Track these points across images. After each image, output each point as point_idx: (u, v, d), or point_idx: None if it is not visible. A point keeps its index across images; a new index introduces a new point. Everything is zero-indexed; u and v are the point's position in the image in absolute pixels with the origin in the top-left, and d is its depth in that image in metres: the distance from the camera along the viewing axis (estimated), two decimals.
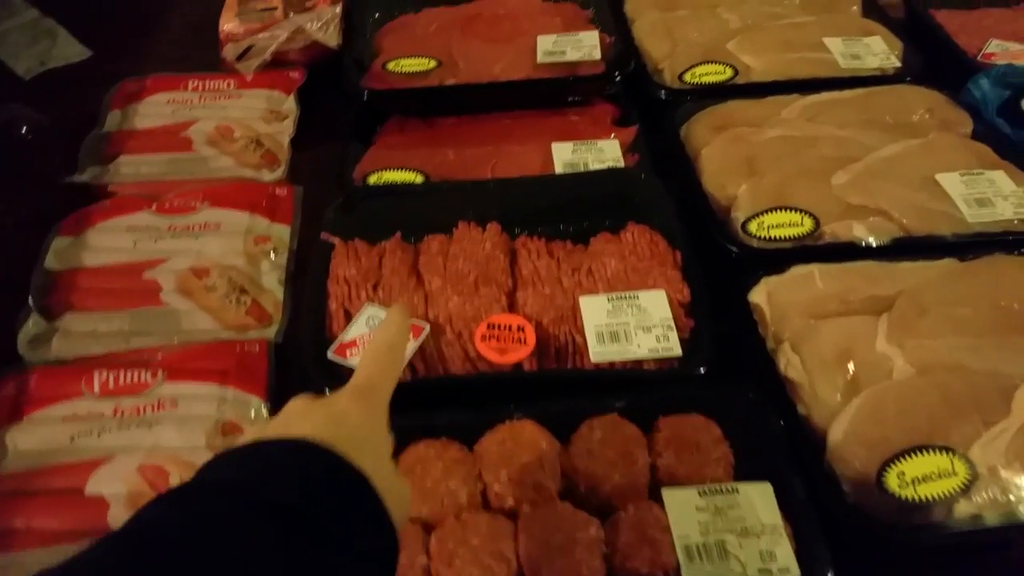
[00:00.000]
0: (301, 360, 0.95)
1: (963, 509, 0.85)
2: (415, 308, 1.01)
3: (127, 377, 0.94)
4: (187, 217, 1.12)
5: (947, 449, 0.86)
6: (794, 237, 1.09)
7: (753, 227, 1.10)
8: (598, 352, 0.97)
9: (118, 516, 0.83)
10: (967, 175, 1.16)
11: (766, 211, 1.11)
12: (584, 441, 0.88)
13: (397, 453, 0.86)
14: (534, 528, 0.81)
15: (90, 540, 0.46)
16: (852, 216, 1.11)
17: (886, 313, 1.00)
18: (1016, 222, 1.11)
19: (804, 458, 0.88)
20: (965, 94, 1.32)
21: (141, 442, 0.88)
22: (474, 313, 1.00)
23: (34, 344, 0.99)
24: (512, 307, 1.03)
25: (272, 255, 1.09)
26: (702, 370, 0.95)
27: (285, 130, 1.26)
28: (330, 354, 0.95)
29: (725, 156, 1.20)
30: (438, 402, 0.94)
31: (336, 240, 1.08)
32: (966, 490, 0.84)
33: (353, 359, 0.94)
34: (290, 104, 1.31)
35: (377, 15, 1.49)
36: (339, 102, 1.32)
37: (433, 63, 1.31)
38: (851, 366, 0.94)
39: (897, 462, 0.86)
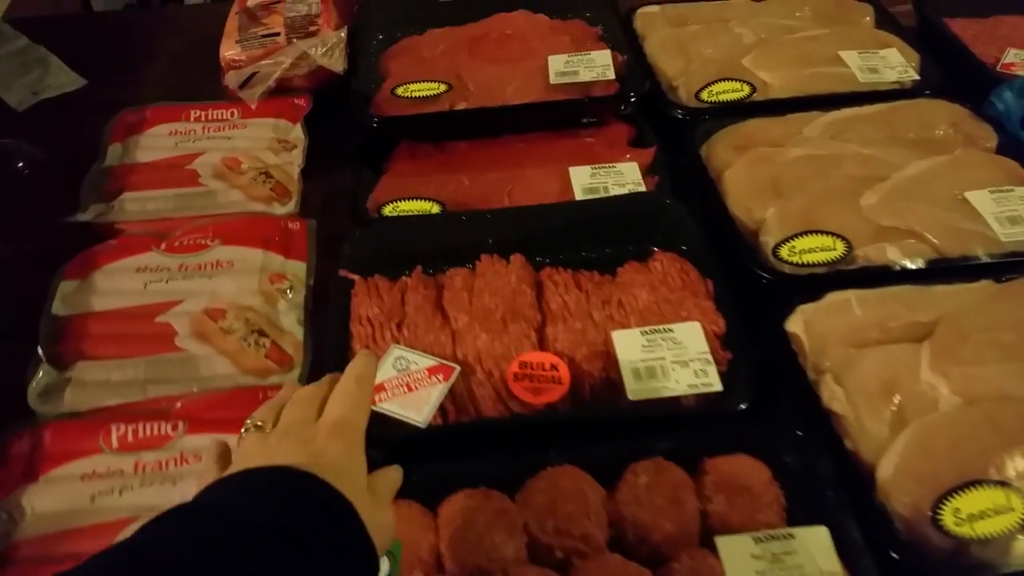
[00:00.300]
0: None
1: (1021, 547, 0.83)
2: (442, 347, 0.98)
3: (146, 430, 0.90)
4: (198, 256, 1.08)
5: (1002, 483, 0.84)
6: (827, 262, 1.07)
7: (784, 252, 1.08)
8: (635, 390, 0.94)
9: None
10: (997, 192, 1.14)
11: (797, 235, 1.09)
12: (630, 487, 0.85)
13: (434, 502, 0.84)
14: None
15: None
16: (884, 238, 1.09)
17: (927, 340, 0.98)
18: None
19: (855, 496, 0.86)
20: (988, 107, 1.30)
21: (166, 500, 0.83)
22: (504, 351, 0.97)
23: (45, 396, 0.94)
24: (542, 343, 1.00)
25: (289, 293, 1.06)
26: (743, 406, 0.92)
27: (294, 160, 1.23)
28: None
29: (750, 178, 1.18)
30: (472, 447, 0.91)
31: (356, 277, 1.04)
32: None
33: (383, 404, 0.90)
34: (297, 133, 1.28)
35: (380, 36, 1.45)
36: (347, 128, 1.28)
37: (443, 87, 1.28)
38: (896, 397, 0.92)
39: (952, 498, 0.83)
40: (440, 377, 0.93)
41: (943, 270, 1.06)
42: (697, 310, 1.01)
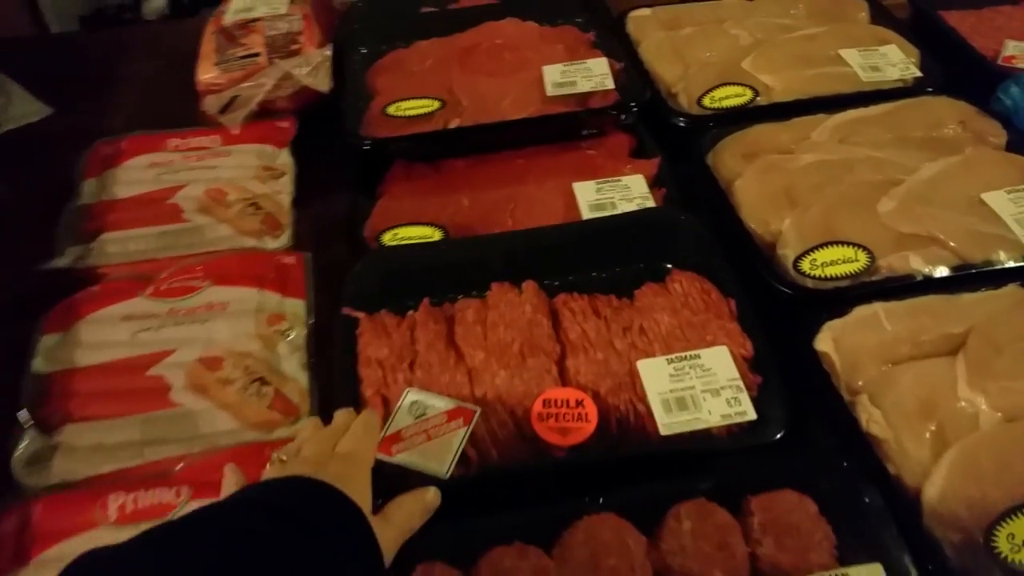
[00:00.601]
0: None
1: None
2: (458, 387, 0.91)
3: (147, 498, 0.82)
4: (189, 299, 1.00)
5: None
6: (850, 274, 1.02)
7: (806, 265, 1.02)
8: (667, 424, 0.88)
9: None
10: (1013, 192, 1.11)
11: (817, 247, 1.03)
12: (674, 535, 0.79)
13: (464, 561, 0.78)
14: None
15: None
16: (906, 247, 1.04)
17: (961, 353, 0.94)
18: None
19: (903, 525, 0.81)
20: (995, 103, 1.27)
21: None
22: (525, 388, 0.91)
23: (32, 466, 0.86)
24: (563, 376, 0.93)
25: (289, 335, 0.98)
26: (779, 435, 0.87)
27: (284, 189, 1.15)
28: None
29: (762, 188, 1.12)
30: (500, 496, 0.84)
31: (361, 315, 0.97)
32: None
33: (401, 456, 0.84)
34: (285, 158, 1.20)
35: (364, 51, 1.38)
36: (337, 151, 1.21)
37: (436, 104, 1.21)
38: (936, 416, 0.88)
39: (1005, 523, 0.79)
40: (460, 421, 0.87)
41: (968, 277, 1.02)
42: (723, 333, 0.96)
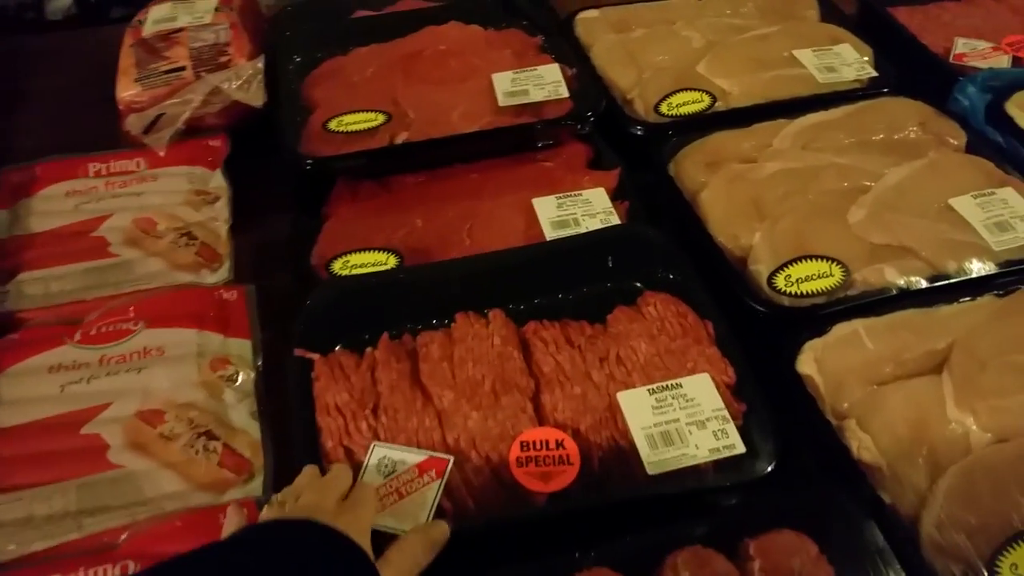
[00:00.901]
0: None
1: None
2: (428, 433, 0.85)
3: None
4: (121, 344, 0.91)
5: None
6: (826, 290, 0.99)
7: (780, 282, 0.99)
8: (654, 462, 0.83)
9: None
10: (980, 196, 1.10)
11: (790, 262, 1.00)
12: None
13: None
14: None
15: None
16: (879, 258, 1.02)
17: (946, 372, 0.92)
18: None
19: (901, 556, 0.77)
20: (952, 103, 1.26)
21: None
22: (500, 430, 0.85)
23: None
24: (539, 413, 0.88)
25: (236, 380, 0.90)
26: (770, 468, 0.83)
27: (219, 215, 1.06)
28: None
29: (729, 200, 1.09)
30: (481, 551, 0.78)
31: (315, 356, 0.90)
32: None
33: (378, 518, 0.77)
34: (218, 181, 1.11)
35: (298, 59, 1.29)
36: (274, 170, 1.13)
37: (381, 117, 1.13)
38: (927, 440, 0.86)
39: (1008, 552, 0.78)
40: (432, 474, 0.80)
41: (944, 289, 1.00)
42: (703, 359, 0.91)
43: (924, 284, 1.00)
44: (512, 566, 0.76)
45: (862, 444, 0.86)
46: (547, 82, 1.19)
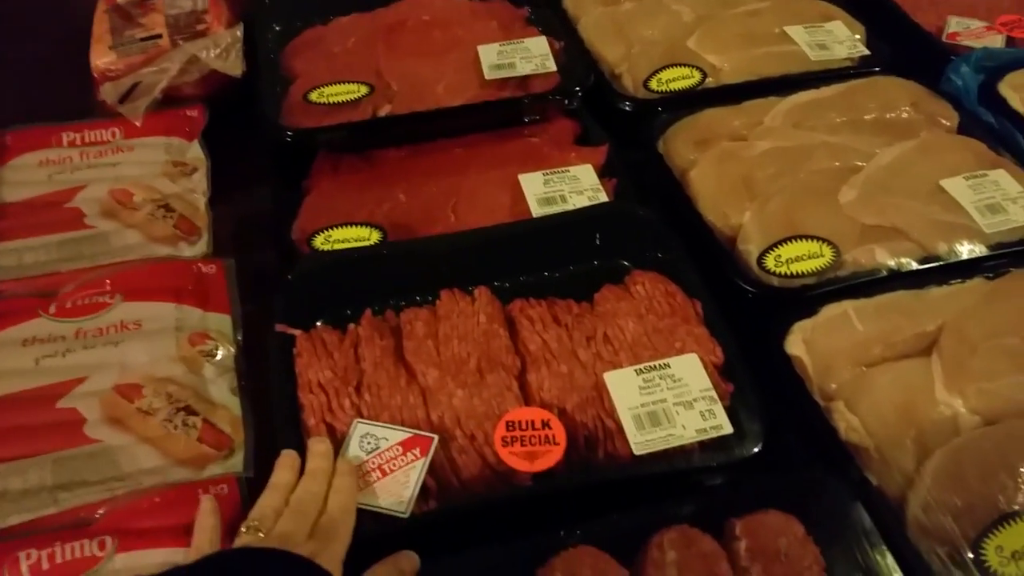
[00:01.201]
0: None
1: None
2: (412, 411, 0.86)
3: (66, 553, 0.74)
4: (97, 317, 0.91)
5: None
6: (816, 270, 1.00)
7: (770, 262, 1.01)
8: (641, 442, 0.84)
9: None
10: (971, 178, 1.12)
11: (781, 242, 1.02)
12: (658, 567, 0.76)
13: None
14: None
15: None
16: (869, 239, 1.04)
17: (936, 354, 0.94)
18: None
19: (887, 536, 0.79)
20: (945, 83, 1.27)
21: None
22: (485, 408, 0.86)
23: None
24: (525, 392, 0.89)
25: (215, 355, 0.91)
26: (756, 449, 0.84)
27: (197, 187, 1.06)
28: None
29: (719, 178, 1.10)
30: (465, 531, 0.79)
31: (297, 332, 0.91)
32: None
33: (360, 496, 0.78)
34: (196, 152, 1.11)
35: (278, 28, 1.29)
36: (253, 141, 1.13)
37: (364, 89, 1.14)
38: (915, 422, 0.88)
39: (993, 534, 0.79)
40: (416, 452, 0.81)
41: (935, 271, 1.02)
42: (691, 339, 0.93)
43: (915, 266, 1.02)
44: (497, 544, 0.77)
45: (850, 425, 0.88)
46: (534, 55, 1.20)
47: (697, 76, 1.24)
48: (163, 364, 0.89)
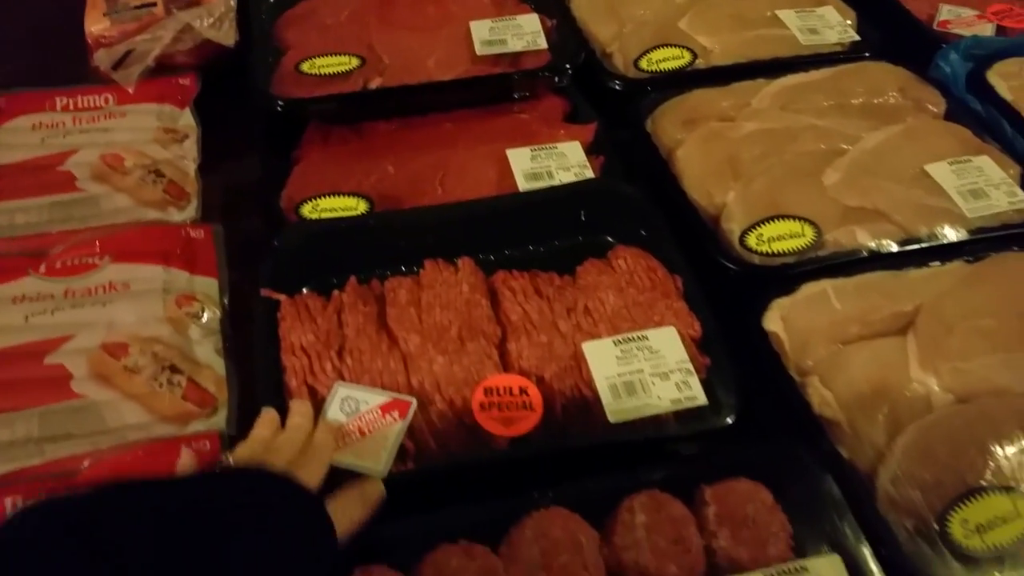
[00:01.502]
0: None
1: None
2: (392, 375, 0.89)
3: None
4: (86, 277, 0.94)
5: (1007, 488, 0.82)
6: (797, 249, 1.03)
7: (752, 241, 1.04)
8: (616, 411, 0.88)
9: None
10: (955, 163, 1.14)
11: (763, 221, 1.05)
12: (627, 529, 0.79)
13: (406, 562, 0.76)
14: None
15: None
16: (852, 220, 1.07)
17: (912, 333, 0.97)
18: (1012, 212, 1.09)
19: (856, 509, 0.82)
20: (934, 69, 1.30)
21: None
22: (464, 375, 0.89)
23: None
24: (504, 360, 0.92)
25: (201, 317, 0.94)
26: (730, 420, 0.88)
27: (188, 154, 1.10)
28: None
29: (705, 157, 1.13)
30: (441, 491, 0.83)
31: (282, 297, 0.94)
32: None
33: (338, 455, 0.81)
34: (187, 119, 1.15)
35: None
36: (245, 112, 1.16)
37: (355, 61, 1.17)
38: (888, 398, 0.91)
39: (959, 508, 0.82)
40: (396, 415, 0.85)
41: (915, 253, 1.04)
42: (670, 312, 0.96)
43: (895, 248, 1.04)
44: (471, 504, 0.80)
45: (823, 400, 0.91)
46: (526, 32, 1.23)
47: (687, 57, 1.27)
48: (150, 324, 0.92)
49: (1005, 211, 1.09)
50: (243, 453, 0.77)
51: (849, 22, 1.37)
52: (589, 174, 1.12)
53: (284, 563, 0.65)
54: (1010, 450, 0.85)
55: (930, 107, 1.24)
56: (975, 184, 1.11)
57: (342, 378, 0.88)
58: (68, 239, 0.98)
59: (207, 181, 1.10)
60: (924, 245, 1.05)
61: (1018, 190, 1.11)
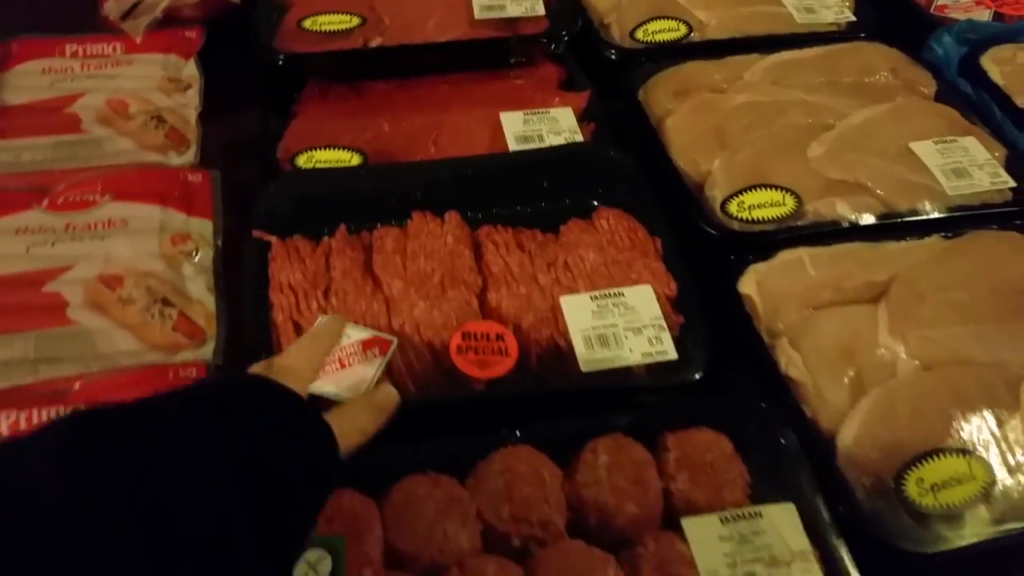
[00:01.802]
0: None
1: (984, 514, 0.85)
2: (375, 317, 0.93)
3: (41, 417, 0.83)
4: (87, 213, 1.00)
5: (964, 451, 0.86)
6: (777, 218, 1.07)
7: (733, 208, 1.08)
8: (588, 361, 0.92)
9: None
10: (941, 143, 1.17)
11: (745, 190, 1.09)
12: (590, 468, 0.83)
13: (377, 490, 0.81)
14: (548, 572, 0.76)
15: None
16: (833, 192, 1.10)
17: (884, 301, 1.00)
18: (993, 193, 1.13)
19: (816, 465, 0.86)
20: (927, 51, 1.33)
21: None
22: (444, 320, 0.93)
23: None
24: (484, 309, 0.97)
25: (195, 256, 0.99)
26: (699, 375, 0.92)
27: (190, 103, 1.15)
28: None
29: (693, 127, 1.17)
30: (415, 427, 0.87)
31: (273, 239, 0.99)
32: (986, 494, 0.84)
33: (314, 384, 0.86)
34: (191, 70, 1.20)
35: None
36: (247, 65, 1.21)
37: (356, 20, 1.21)
38: (855, 362, 0.94)
39: (915, 468, 0.85)
40: (376, 351, 0.89)
41: (893, 226, 1.08)
42: (648, 272, 1.00)
43: (874, 220, 1.07)
44: (441, 438, 0.85)
45: (791, 361, 0.94)
46: None
47: (683, 29, 1.31)
48: (145, 259, 0.97)
49: (986, 191, 1.12)
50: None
51: (846, 2, 1.40)
52: (580, 139, 1.16)
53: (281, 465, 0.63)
54: (971, 416, 0.89)
55: (921, 88, 1.28)
56: (959, 163, 1.14)
57: None
58: (71, 177, 1.03)
59: (208, 131, 1.15)
60: (903, 219, 1.08)
61: (1002, 171, 1.14)
